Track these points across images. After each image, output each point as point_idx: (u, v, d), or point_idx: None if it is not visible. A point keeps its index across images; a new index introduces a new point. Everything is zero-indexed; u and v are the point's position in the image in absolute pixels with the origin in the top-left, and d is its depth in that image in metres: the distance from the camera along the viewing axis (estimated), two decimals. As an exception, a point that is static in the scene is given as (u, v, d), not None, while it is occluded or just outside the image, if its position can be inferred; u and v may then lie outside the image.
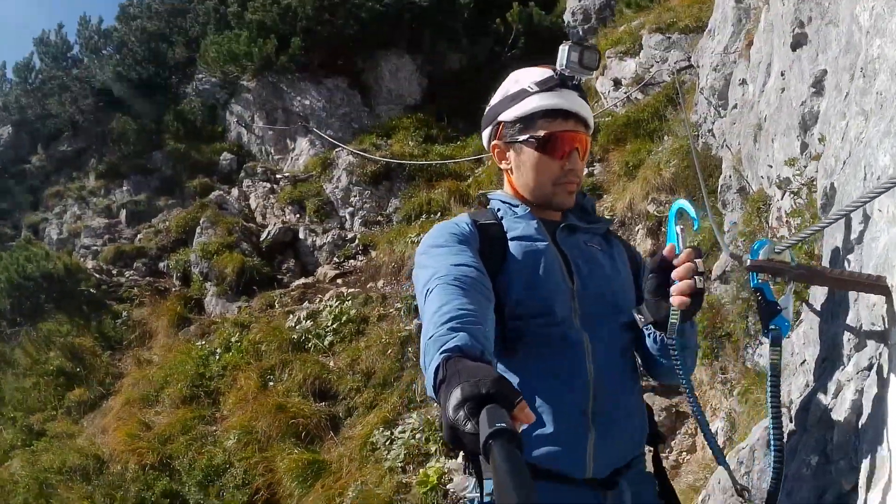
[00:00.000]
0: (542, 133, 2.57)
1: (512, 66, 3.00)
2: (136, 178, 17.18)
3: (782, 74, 5.56)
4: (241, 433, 9.10)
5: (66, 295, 13.44)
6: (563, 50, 2.59)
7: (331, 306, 11.12)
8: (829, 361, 3.49)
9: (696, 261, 2.31)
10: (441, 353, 1.80)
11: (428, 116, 16.42)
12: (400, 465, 7.62)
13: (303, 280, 13.22)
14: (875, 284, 2.05)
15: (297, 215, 15.21)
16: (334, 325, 10.66)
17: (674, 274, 2.33)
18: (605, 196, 10.66)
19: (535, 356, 2.45)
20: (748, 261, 2.30)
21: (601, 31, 14.60)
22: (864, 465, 2.18)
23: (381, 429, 8.32)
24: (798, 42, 5.10)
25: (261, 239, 14.37)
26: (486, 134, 2.82)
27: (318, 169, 15.66)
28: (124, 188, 17.07)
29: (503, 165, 2.76)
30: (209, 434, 9.48)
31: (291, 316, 11.27)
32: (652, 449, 2.84)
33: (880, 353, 2.21)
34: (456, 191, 13.48)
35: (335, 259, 13.54)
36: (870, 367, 2.41)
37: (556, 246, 2.59)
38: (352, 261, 13.32)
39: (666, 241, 2.40)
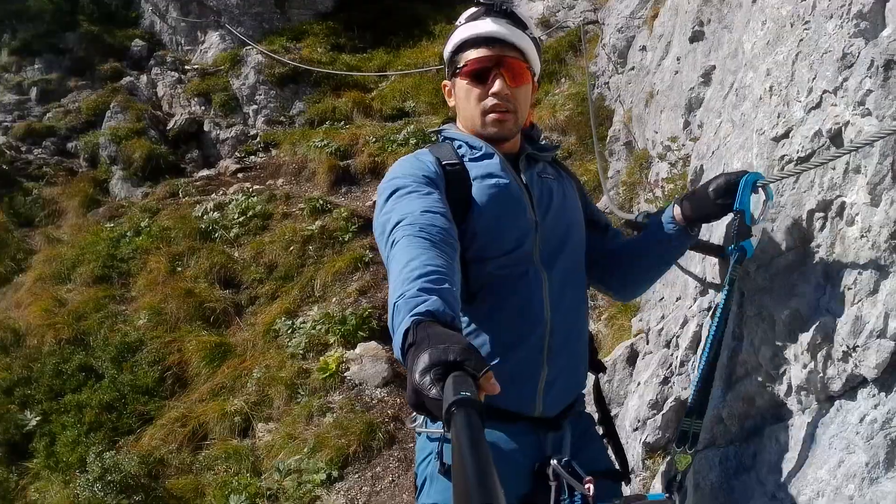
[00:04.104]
0: (464, 62, 2.52)
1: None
2: (48, 57, 16.70)
3: (678, 59, 6.10)
4: (152, 314, 9.35)
5: (-23, 169, 13.23)
6: None
7: (237, 200, 11.40)
8: (681, 300, 4.21)
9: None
10: (411, 316, 1.70)
11: (338, 25, 16.46)
12: (301, 352, 8.06)
13: (206, 171, 13.43)
14: (718, 250, 2.62)
15: (203, 108, 15.26)
16: (240, 219, 10.95)
17: None
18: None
19: (496, 297, 2.41)
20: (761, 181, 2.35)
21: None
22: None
23: (283, 318, 8.74)
24: (696, 37, 5.64)
25: (168, 128, 14.45)
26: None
27: (226, 64, 15.68)
28: (36, 66, 16.60)
29: (451, 103, 2.70)
30: (120, 313, 9.69)
31: (199, 206, 11.49)
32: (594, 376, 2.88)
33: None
34: (360, 102, 13.74)
35: (237, 153, 13.74)
36: (709, 309, 3.02)
37: (518, 179, 2.52)
38: (253, 157, 13.57)
39: (736, 205, 2.34)
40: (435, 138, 2.77)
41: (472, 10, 2.57)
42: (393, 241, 2.05)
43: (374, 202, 8.52)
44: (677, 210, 2.50)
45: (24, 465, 7.88)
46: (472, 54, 2.50)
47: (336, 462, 6.37)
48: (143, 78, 16.25)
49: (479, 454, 1.23)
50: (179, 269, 10.20)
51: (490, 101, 2.49)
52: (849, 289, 2.14)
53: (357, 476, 6.29)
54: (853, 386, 2.15)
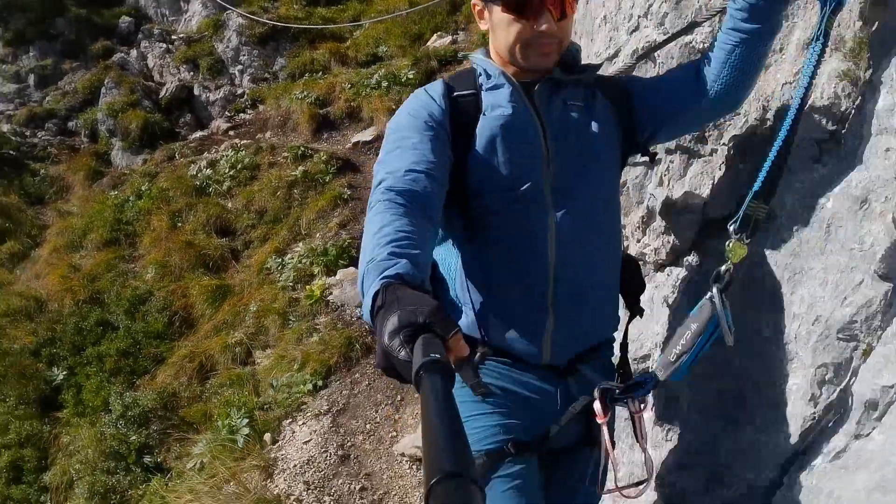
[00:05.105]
0: None
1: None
2: (41, 44, 17.22)
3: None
4: (158, 267, 10.05)
5: (-12, 158, 13.90)
6: None
7: (227, 156, 11.94)
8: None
9: None
10: (381, 279, 1.65)
11: (312, -22, 16.74)
12: (290, 284, 8.69)
13: (199, 133, 13.99)
14: None
15: (192, 73, 15.78)
16: (231, 172, 11.52)
17: None
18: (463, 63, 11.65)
19: (495, 240, 2.32)
20: None
21: None
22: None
23: (274, 257, 9.38)
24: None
25: (160, 96, 14.99)
26: None
27: (210, 30, 16.11)
28: (31, 54, 17.16)
29: (482, 26, 2.44)
30: (130, 271, 10.44)
31: (193, 165, 12.09)
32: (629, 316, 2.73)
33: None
34: (336, 52, 14.21)
35: (227, 113, 14.27)
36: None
37: (532, 109, 2.32)
38: (242, 114, 14.07)
39: None
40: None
41: None
42: (372, 203, 2.00)
43: (353, 143, 9.14)
44: None
45: (56, 415, 8.70)
46: None
47: (320, 373, 7.05)
48: (133, 52, 16.76)
49: (448, 418, 1.23)
50: (179, 224, 10.83)
51: (535, 39, 2.26)
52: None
53: (338, 383, 6.98)
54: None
